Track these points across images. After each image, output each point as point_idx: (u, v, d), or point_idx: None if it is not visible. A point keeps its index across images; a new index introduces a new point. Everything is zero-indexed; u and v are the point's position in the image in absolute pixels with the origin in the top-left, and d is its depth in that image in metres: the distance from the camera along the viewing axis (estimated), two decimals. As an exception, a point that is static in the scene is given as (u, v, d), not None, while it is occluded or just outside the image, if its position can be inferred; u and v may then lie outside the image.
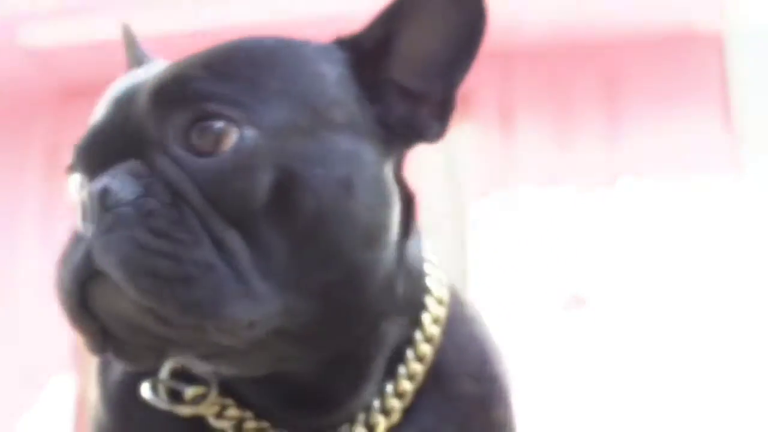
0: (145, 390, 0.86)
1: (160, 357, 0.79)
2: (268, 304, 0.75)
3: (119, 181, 0.74)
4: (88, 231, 0.73)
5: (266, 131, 0.75)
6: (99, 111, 0.81)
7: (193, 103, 0.75)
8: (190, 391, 0.85)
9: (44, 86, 3.84)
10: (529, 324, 3.25)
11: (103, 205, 0.73)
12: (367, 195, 0.80)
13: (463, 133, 3.69)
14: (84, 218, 0.74)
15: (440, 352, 0.91)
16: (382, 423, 0.87)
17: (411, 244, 0.88)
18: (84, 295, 0.74)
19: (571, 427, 3.12)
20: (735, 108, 3.45)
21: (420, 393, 0.90)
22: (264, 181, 0.75)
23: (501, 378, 0.96)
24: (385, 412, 0.87)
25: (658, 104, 3.48)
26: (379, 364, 0.87)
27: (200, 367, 0.84)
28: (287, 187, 0.75)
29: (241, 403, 0.87)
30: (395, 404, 0.88)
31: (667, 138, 3.43)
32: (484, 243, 3.40)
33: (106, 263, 0.72)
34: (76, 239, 0.75)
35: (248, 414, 0.86)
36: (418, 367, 0.89)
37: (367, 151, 0.81)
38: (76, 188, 0.81)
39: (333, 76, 0.82)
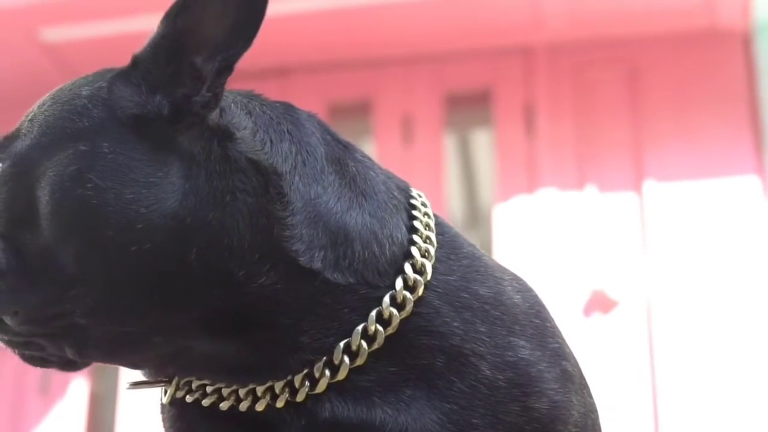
0: (127, 386, 1.05)
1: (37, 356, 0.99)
2: (27, 294, 0.93)
3: None
4: None
5: (12, 159, 0.98)
6: None
7: None
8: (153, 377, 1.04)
9: (62, 83, 3.81)
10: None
11: None
12: (106, 180, 0.93)
13: (484, 135, 3.64)
14: None
15: (443, 325, 0.97)
16: (325, 377, 0.96)
17: (326, 207, 0.98)
18: None
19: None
20: (761, 107, 3.38)
21: (434, 375, 0.96)
22: (14, 197, 0.96)
23: (528, 364, 0.98)
24: (331, 366, 0.95)
25: (682, 103, 3.43)
26: (307, 320, 0.95)
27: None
28: (31, 195, 0.94)
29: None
30: (345, 360, 0.95)
31: (692, 138, 3.38)
32: (506, 247, 3.35)
33: None
34: None
35: (206, 382, 1.00)
36: (379, 328, 0.96)
37: (113, 144, 0.95)
38: None
39: (86, 94, 0.99)
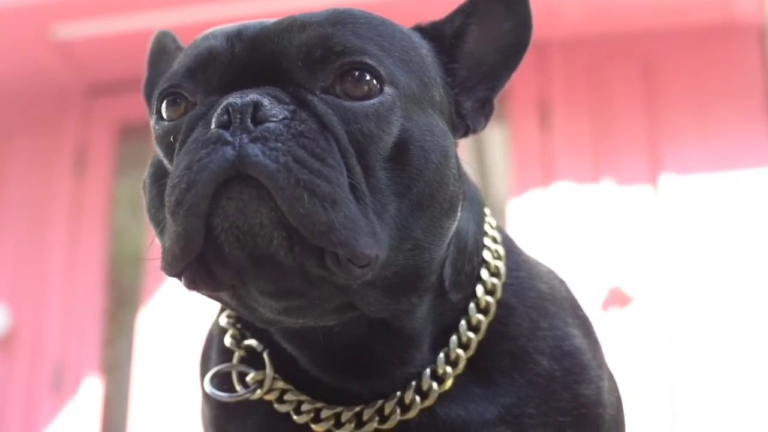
0: (206, 383, 0.96)
1: (243, 282, 0.82)
2: (382, 247, 0.81)
3: (268, 100, 0.81)
4: (234, 138, 0.78)
5: (400, 92, 0.86)
6: (211, 42, 0.88)
7: (343, 55, 0.84)
8: (251, 376, 0.95)
9: (73, 80, 3.81)
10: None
11: (254, 116, 0.80)
12: (454, 168, 0.89)
13: (498, 131, 3.62)
14: (223, 125, 0.79)
15: (515, 328, 0.98)
16: (434, 389, 0.93)
17: (463, 221, 0.96)
18: (212, 204, 0.78)
19: None
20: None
21: (499, 373, 0.96)
22: (393, 134, 0.84)
23: (581, 353, 1.00)
24: (437, 378, 0.94)
25: (698, 96, 3.42)
26: (425, 336, 0.94)
27: (265, 314, 0.86)
28: (404, 145, 0.84)
29: (298, 389, 0.95)
30: (447, 371, 0.94)
31: (708, 131, 3.36)
32: (521, 241, 3.33)
33: (260, 169, 0.77)
34: (204, 146, 0.79)
35: (305, 397, 0.94)
36: (471, 336, 0.96)
37: (449, 132, 0.91)
38: (173, 106, 0.88)
39: (429, 60, 0.92)
